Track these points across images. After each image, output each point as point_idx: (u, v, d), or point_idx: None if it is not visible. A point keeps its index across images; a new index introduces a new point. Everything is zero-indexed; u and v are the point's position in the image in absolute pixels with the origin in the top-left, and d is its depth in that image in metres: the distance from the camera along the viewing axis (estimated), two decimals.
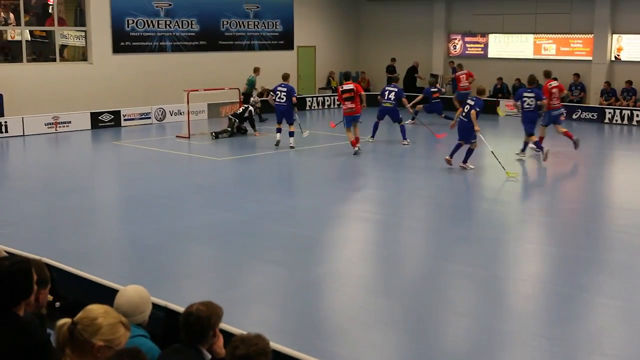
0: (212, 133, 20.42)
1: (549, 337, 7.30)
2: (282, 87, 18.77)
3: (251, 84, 23.44)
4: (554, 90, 17.28)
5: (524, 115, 16.92)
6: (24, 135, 20.65)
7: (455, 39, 29.16)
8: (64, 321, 3.23)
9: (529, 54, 27.10)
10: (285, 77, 19.07)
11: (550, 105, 17.07)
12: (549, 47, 26.70)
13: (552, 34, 26.47)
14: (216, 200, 13.19)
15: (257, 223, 11.52)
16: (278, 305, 8.31)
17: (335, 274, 9.31)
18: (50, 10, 23.40)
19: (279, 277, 9.16)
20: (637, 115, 23.72)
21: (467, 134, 15.43)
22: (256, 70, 23.61)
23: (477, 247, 10.41)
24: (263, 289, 8.75)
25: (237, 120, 20.57)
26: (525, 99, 16.87)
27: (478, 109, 15.11)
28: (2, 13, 22.74)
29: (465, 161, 15.58)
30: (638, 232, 11.29)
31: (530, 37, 27.00)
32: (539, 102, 16.75)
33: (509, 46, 27.72)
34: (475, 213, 12.74)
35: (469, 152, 15.55)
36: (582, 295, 8.52)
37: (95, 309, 3.23)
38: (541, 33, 26.71)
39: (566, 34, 26.16)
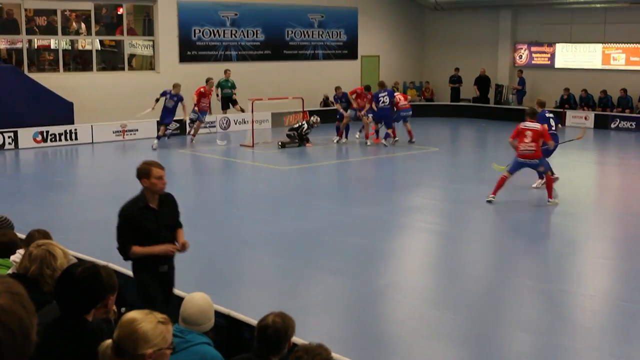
0: (279, 142, 20.44)
1: (617, 355, 7.13)
2: None
3: (219, 86, 23.52)
4: (399, 97, 20.82)
5: (380, 112, 20.19)
6: (92, 142, 21.15)
7: (522, 48, 28.79)
8: (106, 344, 3.22)
9: (598, 64, 26.58)
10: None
11: (399, 106, 20.52)
12: (618, 57, 26.14)
13: (621, 43, 25.91)
14: (280, 209, 13.27)
15: (320, 232, 11.54)
16: (340, 315, 8.31)
17: (397, 285, 9.27)
18: (120, 20, 23.96)
19: (341, 287, 9.16)
20: None
21: None
22: (226, 72, 23.63)
23: (543, 261, 10.23)
24: (325, 298, 8.76)
25: (296, 133, 20.62)
26: (380, 98, 20.15)
27: None
28: (74, 23, 23.36)
29: None
30: None
31: (599, 46, 26.47)
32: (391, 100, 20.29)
33: (576, 56, 27.22)
34: (540, 226, 12.53)
35: None
36: None
37: (129, 321, 3.18)
38: (610, 42, 26.17)
39: (636, 43, 25.56)
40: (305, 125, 20.69)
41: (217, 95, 23.57)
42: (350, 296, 8.88)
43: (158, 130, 20.35)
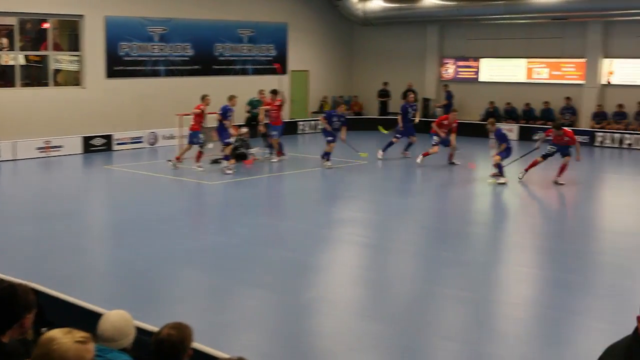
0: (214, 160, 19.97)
1: None
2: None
3: (251, 104, 23.41)
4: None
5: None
6: (15, 159, 20.64)
7: (448, 63, 29.31)
8: None
9: (522, 78, 27.26)
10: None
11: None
12: (541, 71, 26.86)
13: (544, 58, 26.64)
14: (207, 224, 13.19)
15: (248, 247, 11.50)
16: (267, 330, 8.28)
17: (324, 298, 9.29)
18: (45, 35, 23.49)
19: (269, 301, 9.13)
20: (628, 139, 23.92)
21: None
22: (261, 92, 23.01)
23: (467, 270, 10.40)
24: (252, 313, 8.72)
25: (244, 143, 20.46)
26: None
27: None
28: None
29: None
30: (626, 254, 11.34)
31: (523, 61, 27.16)
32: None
33: (501, 70, 27.88)
34: (464, 236, 12.73)
35: None
36: (573, 319, 8.52)
37: (46, 341, 3.12)
38: (534, 57, 26.89)
39: (558, 58, 26.33)
40: (237, 142, 20.10)
41: (248, 112, 24.12)
42: (278, 310, 8.86)
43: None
